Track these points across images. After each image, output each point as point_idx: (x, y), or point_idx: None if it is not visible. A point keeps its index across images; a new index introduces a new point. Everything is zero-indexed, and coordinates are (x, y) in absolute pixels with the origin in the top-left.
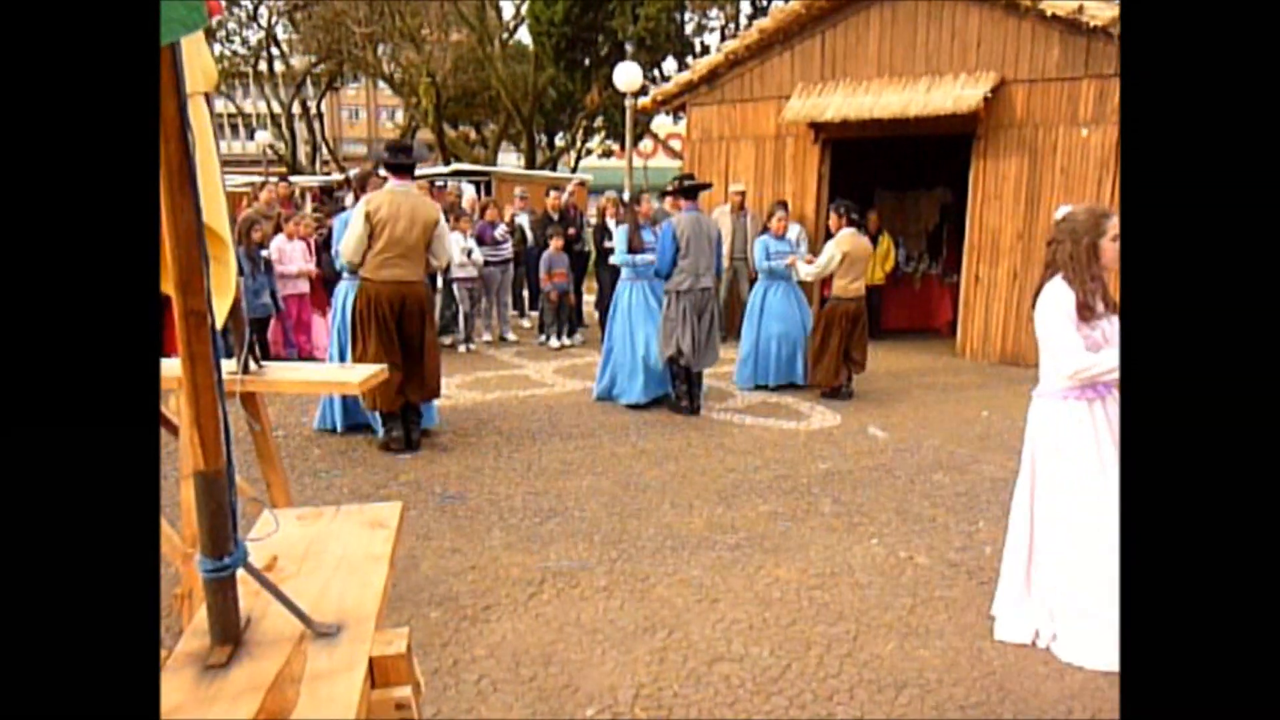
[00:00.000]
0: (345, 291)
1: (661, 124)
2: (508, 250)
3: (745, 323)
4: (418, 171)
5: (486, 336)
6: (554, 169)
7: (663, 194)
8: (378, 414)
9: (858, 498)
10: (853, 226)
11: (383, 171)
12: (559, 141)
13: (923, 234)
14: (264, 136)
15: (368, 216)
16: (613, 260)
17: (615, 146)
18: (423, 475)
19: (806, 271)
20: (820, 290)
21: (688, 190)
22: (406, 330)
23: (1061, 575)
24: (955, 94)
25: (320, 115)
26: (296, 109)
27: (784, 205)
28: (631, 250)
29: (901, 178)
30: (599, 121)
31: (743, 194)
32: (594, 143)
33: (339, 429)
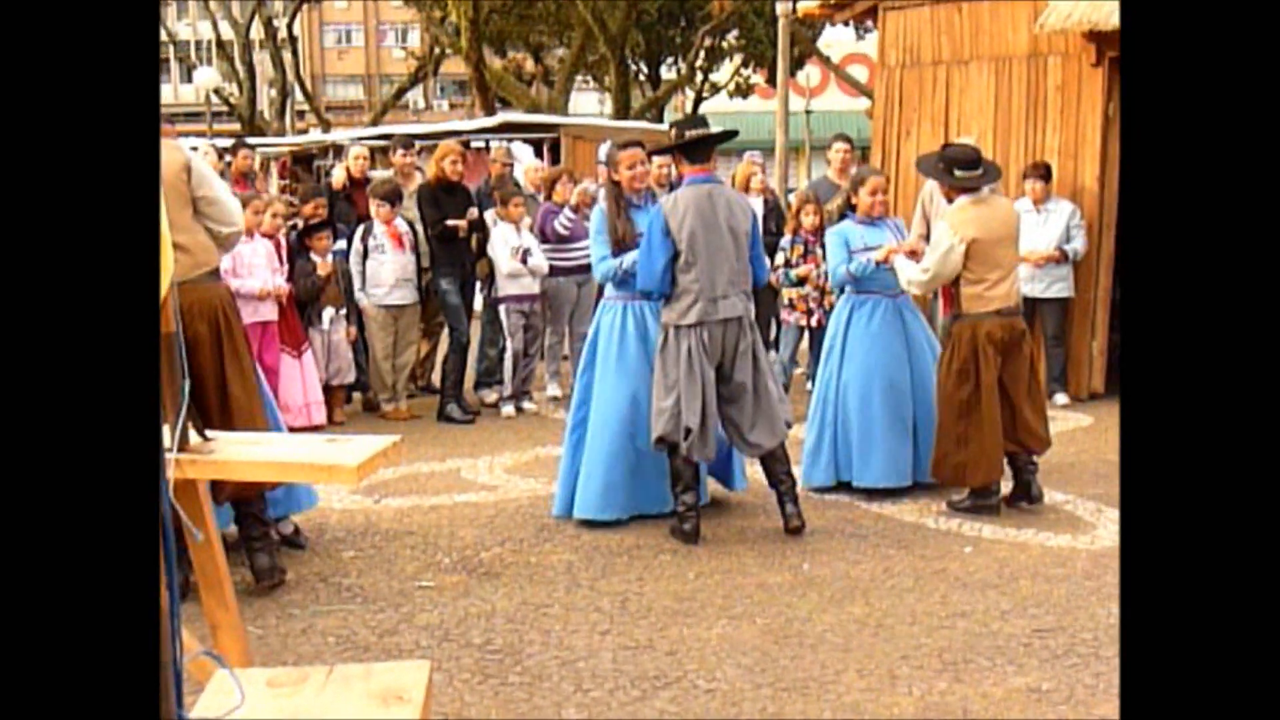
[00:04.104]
0: None
1: (835, 41)
2: (587, 250)
3: (820, 371)
4: (440, 126)
5: (552, 390)
6: (660, 118)
7: (653, 153)
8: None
9: None
10: (971, 191)
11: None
12: (667, 73)
13: None
14: (207, 76)
15: None
16: (597, 274)
17: (758, 79)
18: (451, 615)
19: (911, 276)
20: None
21: (692, 146)
22: (194, 364)
23: None
24: None
25: (293, 42)
26: (257, 33)
27: (874, 174)
28: (619, 247)
29: None
30: (731, 39)
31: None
32: (723, 73)
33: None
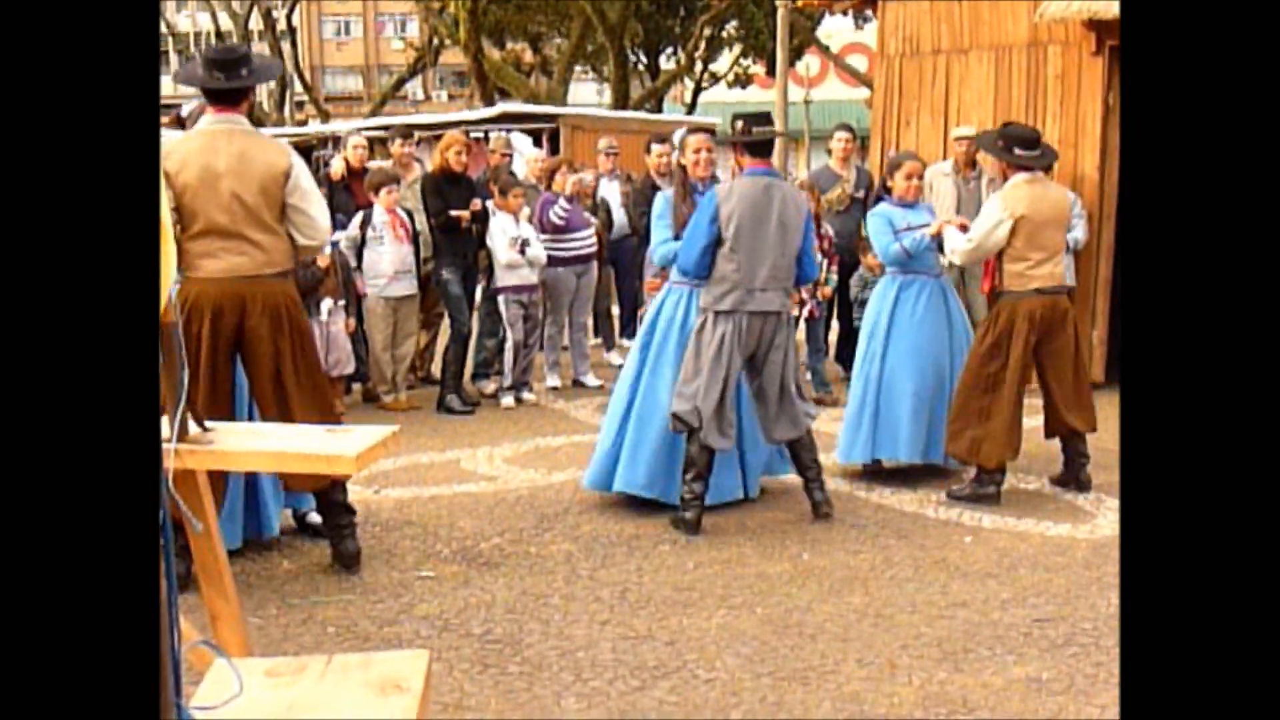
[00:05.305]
0: None
1: (834, 30)
2: (586, 241)
3: (861, 351)
4: (439, 117)
5: (552, 380)
6: (659, 108)
7: (732, 144)
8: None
9: None
10: (1026, 169)
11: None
12: (666, 63)
13: None
14: None
15: (168, 177)
16: (655, 256)
17: (758, 69)
18: (451, 605)
19: (956, 245)
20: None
21: (757, 144)
22: (253, 357)
23: None
24: None
25: (292, 33)
26: (256, 24)
27: (910, 158)
28: (680, 230)
29: None
30: (731, 29)
31: (973, 142)
32: (723, 63)
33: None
